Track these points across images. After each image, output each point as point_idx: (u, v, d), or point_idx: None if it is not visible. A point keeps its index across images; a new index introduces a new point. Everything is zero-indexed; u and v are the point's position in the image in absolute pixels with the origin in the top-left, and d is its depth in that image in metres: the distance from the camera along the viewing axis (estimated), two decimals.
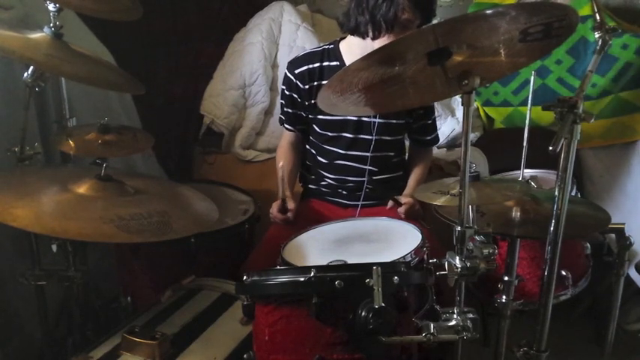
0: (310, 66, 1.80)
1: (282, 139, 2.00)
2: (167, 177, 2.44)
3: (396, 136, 1.86)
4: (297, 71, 1.81)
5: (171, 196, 1.46)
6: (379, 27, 1.58)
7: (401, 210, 1.74)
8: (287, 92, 1.86)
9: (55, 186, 1.25)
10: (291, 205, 1.75)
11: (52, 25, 1.45)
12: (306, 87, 1.81)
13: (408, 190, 1.86)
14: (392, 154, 1.89)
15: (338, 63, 1.79)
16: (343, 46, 1.80)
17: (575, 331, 2.21)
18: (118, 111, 2.18)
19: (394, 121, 1.82)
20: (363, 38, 1.65)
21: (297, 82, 1.81)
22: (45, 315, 1.63)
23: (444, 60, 1.05)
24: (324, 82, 1.77)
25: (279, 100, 2.54)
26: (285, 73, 1.85)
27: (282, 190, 1.72)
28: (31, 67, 1.48)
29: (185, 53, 2.60)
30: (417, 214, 1.76)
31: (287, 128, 1.94)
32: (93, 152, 1.59)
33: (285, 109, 1.90)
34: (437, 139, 1.99)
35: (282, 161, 1.85)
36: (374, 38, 1.61)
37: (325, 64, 1.80)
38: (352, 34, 1.70)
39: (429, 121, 1.92)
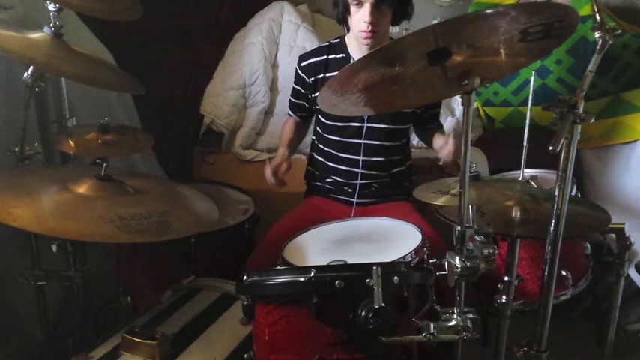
0: (317, 59, 1.87)
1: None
2: (167, 177, 2.44)
3: (400, 124, 1.88)
4: (303, 64, 1.89)
5: (171, 196, 1.46)
6: (342, 9, 1.75)
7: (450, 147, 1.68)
8: (294, 85, 1.95)
9: (55, 186, 1.24)
10: (284, 167, 1.74)
11: (52, 25, 1.45)
12: (311, 79, 1.87)
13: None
14: (398, 143, 1.90)
15: (344, 55, 1.84)
16: (348, 39, 1.86)
17: (575, 331, 2.21)
18: (118, 111, 2.18)
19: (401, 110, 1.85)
20: (341, 23, 1.82)
21: (304, 75, 1.88)
22: (45, 315, 1.63)
23: (444, 60, 1.05)
24: (329, 74, 1.83)
25: (279, 99, 2.57)
26: (295, 67, 1.93)
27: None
28: (31, 67, 1.47)
29: (185, 53, 2.60)
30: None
31: (289, 114, 2.04)
32: (93, 152, 1.59)
33: (290, 98, 2.00)
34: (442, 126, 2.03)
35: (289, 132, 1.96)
36: (344, 20, 1.78)
37: (332, 56, 1.86)
38: (340, 24, 1.83)
39: (438, 109, 1.97)
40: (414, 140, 2.35)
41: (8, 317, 1.74)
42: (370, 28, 1.65)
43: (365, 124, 1.83)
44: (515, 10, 0.96)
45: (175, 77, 2.59)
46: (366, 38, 1.69)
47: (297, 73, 1.92)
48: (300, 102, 1.95)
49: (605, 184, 2.33)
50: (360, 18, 1.66)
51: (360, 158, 1.86)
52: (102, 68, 1.59)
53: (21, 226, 1.07)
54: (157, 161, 2.42)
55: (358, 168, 1.87)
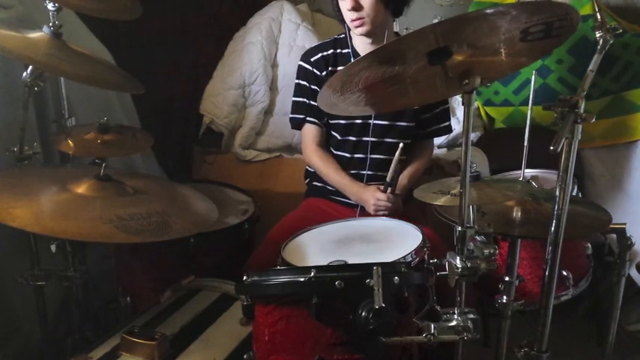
0: (325, 53, 1.85)
1: (306, 143, 1.90)
2: (167, 177, 2.44)
3: (405, 122, 1.86)
4: (312, 59, 1.85)
5: (170, 196, 1.46)
6: (336, 8, 1.75)
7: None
8: (307, 85, 1.86)
9: (54, 186, 1.24)
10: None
11: (51, 24, 1.44)
12: (323, 74, 1.84)
13: (398, 188, 1.80)
14: (402, 142, 1.88)
15: (349, 50, 1.84)
16: (352, 34, 1.85)
17: (576, 332, 2.21)
18: (118, 111, 2.17)
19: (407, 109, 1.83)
20: (341, 22, 1.80)
21: (314, 70, 1.85)
22: (44, 315, 1.62)
23: (445, 59, 1.05)
24: (338, 68, 1.81)
25: (279, 98, 2.56)
26: (301, 66, 1.88)
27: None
28: (30, 67, 1.47)
29: (185, 53, 2.60)
30: (396, 211, 1.75)
31: (312, 121, 1.87)
32: (92, 152, 1.59)
33: (309, 102, 1.85)
34: (447, 129, 1.96)
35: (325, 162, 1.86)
36: (338, 7, 1.75)
37: (338, 51, 1.85)
38: (341, 22, 1.81)
39: (437, 110, 1.91)
40: None
41: (7, 317, 1.73)
42: (355, 16, 1.68)
43: (372, 121, 1.82)
44: (516, 9, 0.96)
45: (175, 77, 2.58)
46: (356, 27, 1.71)
47: (306, 71, 1.85)
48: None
49: (607, 184, 2.33)
50: (344, 8, 1.70)
51: (368, 157, 1.84)
52: (101, 68, 1.59)
53: (20, 226, 1.07)
54: (157, 161, 2.42)
55: (364, 168, 1.85)
